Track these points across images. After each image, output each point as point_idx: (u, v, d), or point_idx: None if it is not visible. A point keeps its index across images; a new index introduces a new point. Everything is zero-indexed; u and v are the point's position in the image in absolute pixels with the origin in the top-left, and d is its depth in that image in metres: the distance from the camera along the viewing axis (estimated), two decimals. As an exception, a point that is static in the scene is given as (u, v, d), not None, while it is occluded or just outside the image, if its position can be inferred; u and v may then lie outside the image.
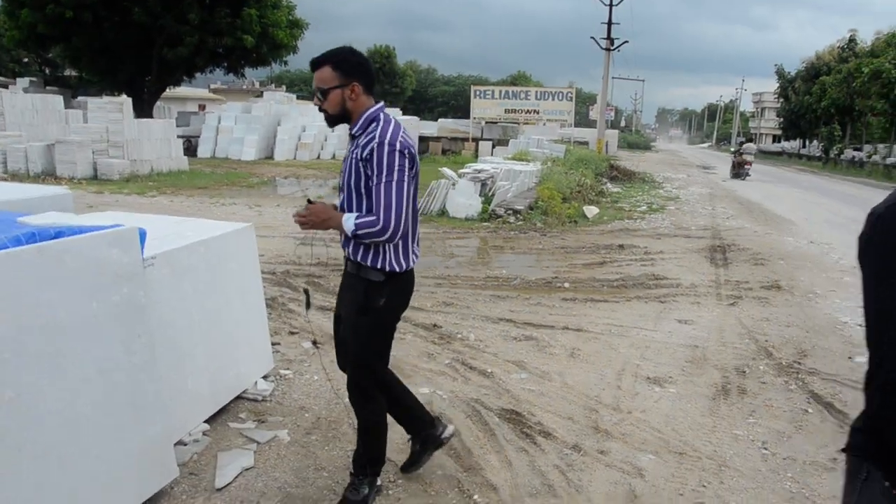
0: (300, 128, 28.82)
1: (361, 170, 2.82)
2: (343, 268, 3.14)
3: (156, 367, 3.18)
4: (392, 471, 3.53)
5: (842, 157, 48.45)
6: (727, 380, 5.11)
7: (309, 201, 2.92)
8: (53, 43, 30.14)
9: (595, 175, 20.68)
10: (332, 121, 2.98)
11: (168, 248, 3.65)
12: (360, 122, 2.90)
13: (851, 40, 53.09)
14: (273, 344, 5.23)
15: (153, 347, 3.18)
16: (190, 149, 27.41)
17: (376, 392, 3.20)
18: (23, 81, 35.65)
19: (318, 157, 28.43)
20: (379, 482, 3.31)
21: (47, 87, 35.76)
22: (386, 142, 2.77)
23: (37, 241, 2.66)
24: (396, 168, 2.76)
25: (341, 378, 4.64)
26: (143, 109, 29.93)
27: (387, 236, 2.76)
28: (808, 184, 29.39)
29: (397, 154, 2.77)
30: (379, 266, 2.92)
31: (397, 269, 2.95)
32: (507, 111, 31.03)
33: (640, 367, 5.28)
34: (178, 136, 23.99)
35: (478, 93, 31.87)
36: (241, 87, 62.90)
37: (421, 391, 4.55)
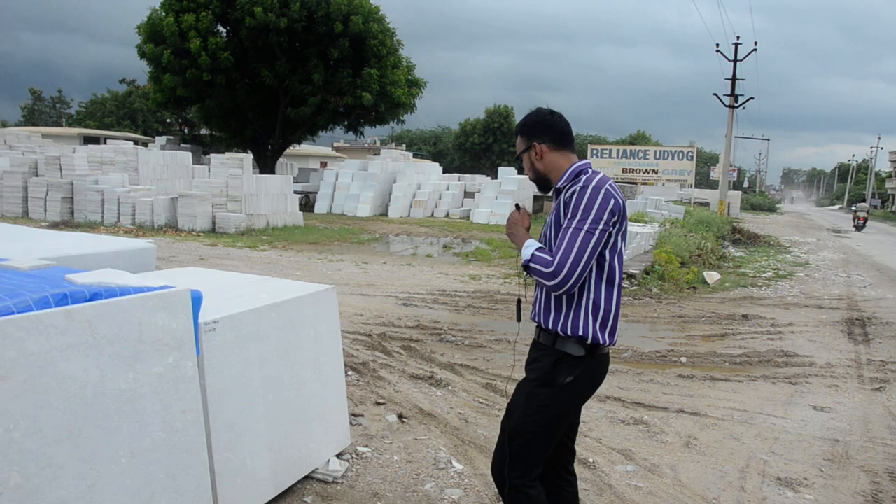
0: (415, 185, 29.03)
1: (561, 216, 2.58)
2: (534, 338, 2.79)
3: (203, 447, 2.84)
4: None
5: None
6: (878, 487, 4.30)
7: (517, 207, 2.82)
8: (191, 104, 32.06)
9: (716, 238, 19.62)
10: (538, 185, 2.80)
11: (234, 311, 3.34)
12: (566, 175, 2.68)
13: None
14: (355, 416, 4.87)
15: (201, 424, 2.85)
16: (308, 204, 28.13)
17: (535, 483, 2.70)
18: (161, 140, 37.95)
19: (432, 215, 28.46)
20: None
21: (182, 145, 37.87)
22: (591, 185, 2.52)
23: (68, 303, 2.38)
24: (592, 216, 2.47)
25: (422, 460, 4.22)
26: (267, 165, 31.19)
27: (554, 282, 2.47)
28: (958, 251, 26.94)
29: (599, 200, 2.49)
30: (581, 333, 2.57)
31: (601, 342, 2.59)
32: (624, 171, 30.30)
33: (768, 463, 4.55)
34: (297, 192, 24.64)
35: (594, 152, 31.36)
36: (363, 145, 64.86)
37: (510, 480, 4.02)
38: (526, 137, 2.76)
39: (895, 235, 34.97)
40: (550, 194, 2.75)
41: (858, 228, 36.02)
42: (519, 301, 2.95)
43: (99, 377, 2.39)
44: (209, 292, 3.69)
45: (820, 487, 4.24)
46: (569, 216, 2.51)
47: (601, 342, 2.58)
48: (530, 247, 2.61)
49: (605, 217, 2.48)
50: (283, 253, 14.49)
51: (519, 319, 2.92)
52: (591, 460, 4.38)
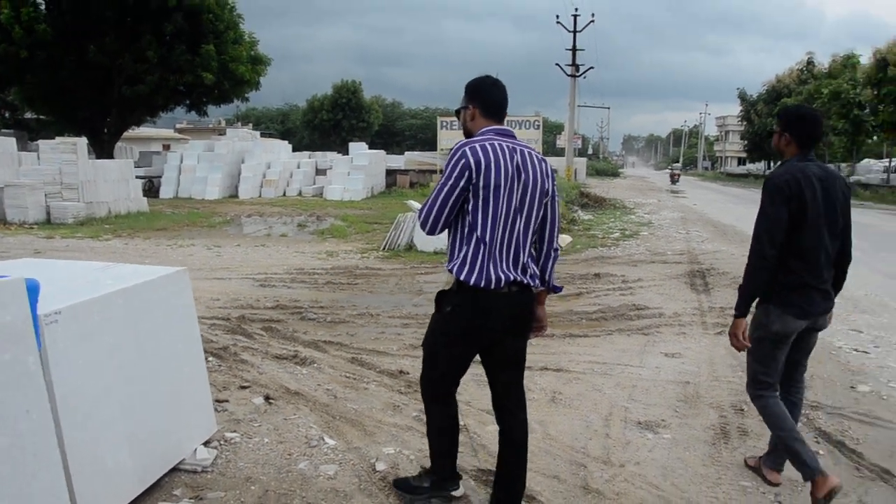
0: (265, 165, 28.24)
1: None
2: None
3: (54, 447, 2.62)
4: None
5: (807, 177, 49.15)
6: (725, 420, 4.62)
7: None
8: (7, 84, 29.37)
9: (566, 203, 20.35)
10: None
11: (77, 300, 3.10)
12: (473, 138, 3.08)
13: (809, 63, 54.28)
14: (220, 402, 4.67)
15: (50, 423, 2.62)
16: (152, 189, 26.75)
17: (441, 397, 3.31)
18: (-23, 126, 34.76)
19: (284, 194, 27.82)
20: (458, 493, 3.43)
21: (3, 131, 34.82)
22: (454, 148, 2.98)
23: None
24: (447, 173, 2.93)
25: (294, 440, 4.12)
26: (104, 150, 29.21)
27: (418, 222, 3.03)
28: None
29: (453, 161, 2.93)
30: (448, 267, 3.03)
31: (461, 278, 2.97)
32: (474, 141, 30.66)
33: (629, 410, 4.77)
34: (140, 177, 23.30)
35: (444, 123, 31.60)
36: (208, 125, 62.21)
37: (385, 451, 4.00)
38: (466, 98, 3.15)
39: (725, 194, 37.97)
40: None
41: (674, 182, 46.94)
42: None
43: (-76, 380, 2.14)
44: (49, 282, 3.40)
45: (676, 426, 4.50)
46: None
47: (462, 279, 2.94)
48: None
49: (456, 174, 2.90)
50: (128, 241, 13.71)
51: None
52: (461, 423, 4.41)
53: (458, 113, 3.22)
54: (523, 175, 2.95)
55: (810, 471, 3.26)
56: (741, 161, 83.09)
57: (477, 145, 2.92)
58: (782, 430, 3.39)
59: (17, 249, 12.10)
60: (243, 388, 5.04)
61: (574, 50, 33.39)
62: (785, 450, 3.43)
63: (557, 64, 33.53)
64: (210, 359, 5.66)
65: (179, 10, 25.89)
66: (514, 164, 2.93)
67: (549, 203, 3.09)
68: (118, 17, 25.79)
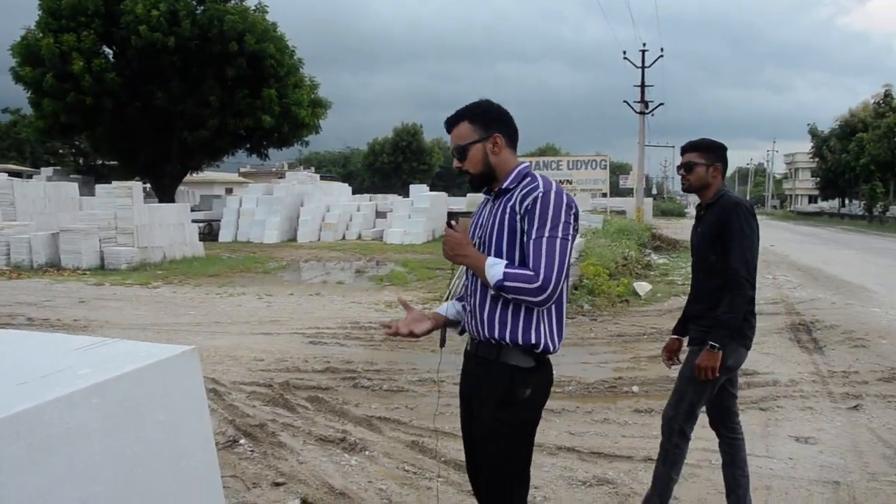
0: (324, 208, 27.76)
1: (517, 225, 2.40)
2: (465, 352, 2.66)
3: None
4: None
5: (887, 213, 47.44)
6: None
7: (450, 224, 2.51)
8: (77, 132, 29.75)
9: (638, 246, 19.15)
10: (477, 181, 2.56)
11: (26, 405, 2.19)
12: (513, 175, 2.50)
13: (887, 95, 52.13)
14: (244, 507, 3.72)
15: None
16: (211, 233, 26.51)
17: None
18: (47, 171, 35.37)
19: (343, 238, 27.22)
20: None
21: (72, 176, 35.31)
22: (552, 191, 2.38)
23: None
24: (562, 223, 2.35)
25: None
26: (166, 194, 29.24)
27: (542, 297, 2.30)
28: (860, 244, 27.56)
29: (565, 206, 2.37)
30: (533, 341, 2.39)
31: (551, 349, 2.45)
32: (538, 182, 29.71)
33: (772, 527, 3.65)
34: (199, 221, 23.05)
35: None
36: (271, 169, 62.91)
37: None
38: (483, 126, 2.50)
39: (799, 234, 36.22)
40: (484, 193, 2.59)
41: None
42: (444, 324, 2.75)
43: None
44: (1, 373, 2.54)
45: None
46: (536, 224, 2.34)
47: (551, 350, 2.45)
48: (497, 265, 2.37)
49: (572, 222, 2.40)
50: (177, 289, 13.05)
51: (443, 344, 2.79)
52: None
53: (462, 151, 2.51)
54: None
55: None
56: (812, 199, 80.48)
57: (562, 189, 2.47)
58: (677, 473, 3.56)
59: (61, 299, 11.52)
60: (277, 484, 4.09)
61: (643, 86, 32.27)
62: (663, 491, 3.56)
63: (626, 101, 32.46)
64: (242, 441, 4.77)
65: (241, 54, 25.84)
66: None
67: None
68: (182, 64, 25.86)
